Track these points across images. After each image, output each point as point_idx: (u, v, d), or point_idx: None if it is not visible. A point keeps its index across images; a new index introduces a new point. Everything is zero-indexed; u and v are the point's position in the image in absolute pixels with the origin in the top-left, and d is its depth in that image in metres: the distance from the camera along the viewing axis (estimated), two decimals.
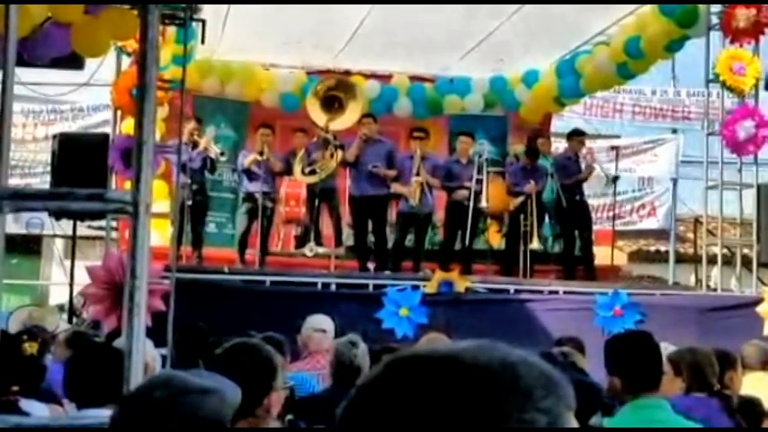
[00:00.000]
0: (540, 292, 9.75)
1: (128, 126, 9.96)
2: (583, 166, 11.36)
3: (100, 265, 6.91)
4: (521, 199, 10.87)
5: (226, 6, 10.68)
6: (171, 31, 9.04)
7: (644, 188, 15.84)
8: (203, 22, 8.24)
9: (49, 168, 10.66)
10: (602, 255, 11.57)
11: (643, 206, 15.64)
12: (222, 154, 10.82)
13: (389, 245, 10.70)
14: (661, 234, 15.70)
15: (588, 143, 12.31)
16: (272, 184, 10.94)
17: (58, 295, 13.21)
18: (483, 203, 10.60)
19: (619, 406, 3.55)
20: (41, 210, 8.40)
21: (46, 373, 4.45)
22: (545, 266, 11.25)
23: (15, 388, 3.96)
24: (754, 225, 10.57)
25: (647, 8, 10.91)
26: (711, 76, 10.61)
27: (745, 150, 10.46)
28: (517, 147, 12.42)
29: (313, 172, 10.58)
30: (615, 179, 11.98)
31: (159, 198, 9.89)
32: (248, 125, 12.58)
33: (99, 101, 14.11)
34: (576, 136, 11.60)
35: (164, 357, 5.54)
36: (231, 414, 1.95)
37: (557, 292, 9.72)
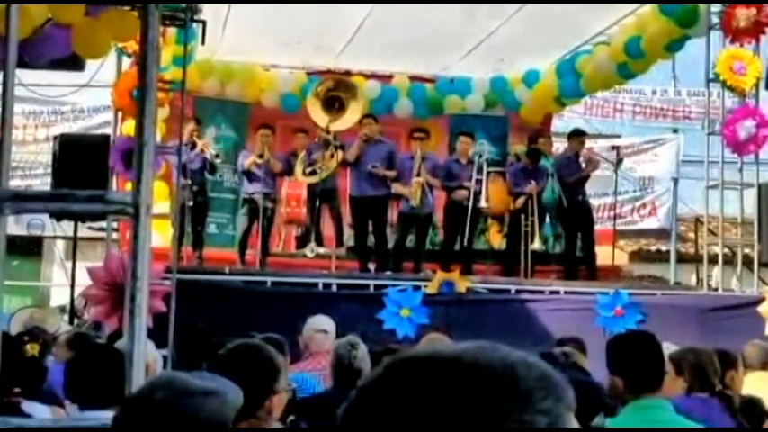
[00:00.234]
0: (541, 292, 9.75)
1: (128, 127, 9.96)
2: (583, 165, 11.37)
3: (101, 267, 6.90)
4: (522, 199, 10.87)
5: (226, 7, 10.68)
6: (171, 32, 9.05)
7: (645, 188, 15.85)
8: (204, 23, 8.24)
9: (49, 169, 10.66)
10: (602, 254, 11.57)
11: (644, 206, 15.64)
12: (217, 156, 10.77)
13: (390, 245, 10.69)
14: (662, 234, 15.69)
15: (589, 143, 12.32)
16: (273, 185, 10.94)
17: (59, 297, 13.22)
18: (482, 203, 10.60)
19: (620, 406, 3.55)
20: (42, 211, 8.40)
21: (47, 375, 4.45)
22: (546, 267, 11.25)
23: (17, 390, 3.96)
24: (755, 225, 10.56)
25: (648, 8, 10.91)
26: (712, 76, 10.60)
27: (745, 150, 10.45)
28: (518, 147, 12.42)
29: (313, 172, 10.58)
30: (619, 162, 11.99)
31: (160, 199, 9.89)
32: (249, 126, 12.59)
33: (99, 102, 14.13)
34: (576, 136, 11.61)
35: (165, 358, 5.54)
36: (233, 415, 1.95)
37: (558, 293, 9.72)
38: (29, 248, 15.09)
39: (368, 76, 13.13)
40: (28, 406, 3.97)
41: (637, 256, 15.60)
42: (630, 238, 15.81)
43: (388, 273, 10.22)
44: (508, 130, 13.54)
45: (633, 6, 11.17)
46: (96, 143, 9.70)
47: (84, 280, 7.53)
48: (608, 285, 9.87)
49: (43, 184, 13.58)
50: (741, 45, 10.45)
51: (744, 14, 10.17)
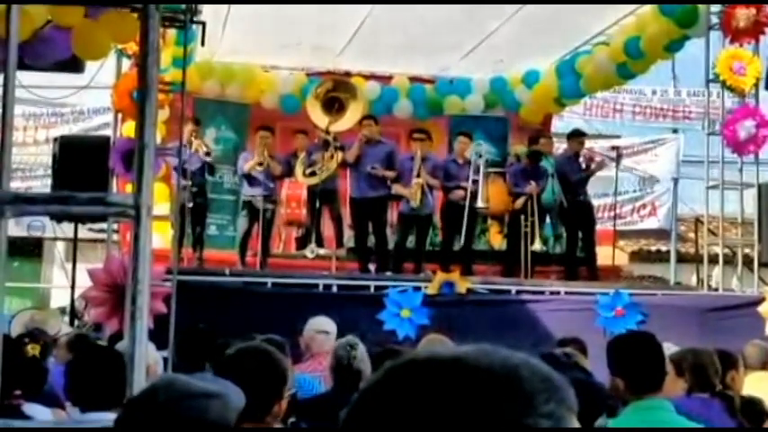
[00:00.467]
0: (542, 292, 9.75)
1: (128, 129, 9.97)
2: (583, 165, 11.39)
3: (101, 268, 6.91)
4: (521, 200, 10.87)
5: (226, 9, 10.69)
6: (171, 33, 9.05)
7: (645, 188, 15.85)
8: (203, 24, 8.24)
9: (50, 171, 10.67)
10: (603, 255, 11.57)
11: (644, 206, 15.64)
12: (208, 154, 10.70)
13: (390, 246, 10.69)
14: (662, 234, 15.69)
15: (589, 143, 12.33)
16: (273, 187, 10.93)
17: (60, 298, 13.22)
18: (479, 203, 10.61)
19: (621, 406, 3.54)
20: (43, 214, 8.41)
21: (47, 376, 4.46)
22: (546, 267, 11.25)
23: (18, 392, 3.96)
24: (755, 225, 10.56)
25: (647, 8, 10.91)
26: (712, 76, 10.60)
27: (745, 150, 10.45)
28: (518, 147, 12.42)
29: (313, 173, 10.58)
30: (619, 157, 12.02)
31: (160, 200, 9.89)
32: (249, 127, 12.59)
33: (99, 104, 14.14)
34: (576, 136, 11.62)
35: (165, 360, 5.54)
36: (234, 417, 1.95)
37: (558, 293, 9.71)
38: (29, 250, 15.09)
39: (367, 77, 13.14)
40: (29, 408, 3.97)
41: (637, 257, 15.60)
42: (631, 239, 15.81)
43: (389, 274, 10.22)
44: (508, 130, 13.54)
45: (633, 6, 11.17)
46: (96, 144, 9.70)
47: (84, 281, 7.53)
48: (608, 286, 9.87)
49: (43, 185, 13.59)
50: (741, 45, 10.45)
51: (743, 14, 10.17)
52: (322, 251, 10.65)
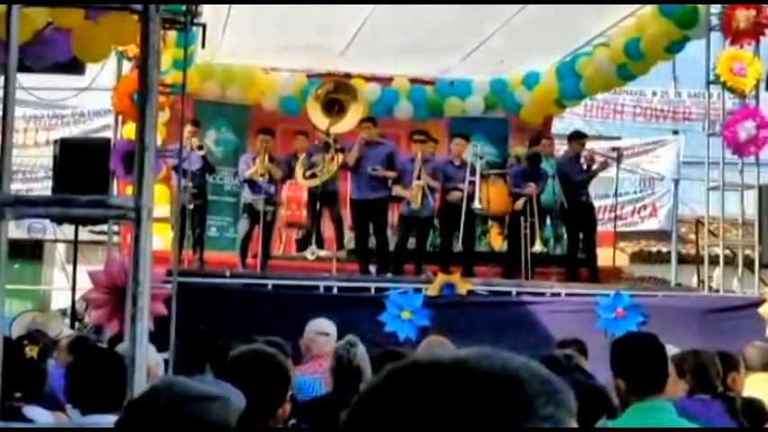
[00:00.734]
0: (542, 294, 9.74)
1: (129, 131, 9.96)
2: (585, 166, 11.40)
3: (102, 270, 6.91)
4: (521, 201, 10.88)
5: (226, 10, 10.69)
6: (171, 35, 9.04)
7: (645, 189, 15.85)
8: (204, 26, 8.23)
9: (50, 173, 10.67)
10: (603, 256, 11.57)
11: (644, 207, 15.64)
12: (201, 147, 10.65)
13: (391, 248, 10.69)
14: (663, 235, 15.69)
15: (589, 145, 12.34)
16: (274, 191, 10.92)
17: (60, 300, 13.22)
18: (476, 204, 10.61)
19: (621, 408, 3.54)
20: (44, 216, 8.41)
21: (46, 378, 4.45)
22: (547, 268, 11.25)
23: (18, 394, 3.95)
24: (756, 226, 10.56)
25: (648, 9, 10.91)
26: (712, 77, 10.60)
27: (746, 151, 10.45)
28: (518, 149, 12.43)
29: (314, 175, 10.58)
30: (619, 158, 12.03)
31: (160, 202, 9.90)
32: (249, 129, 12.60)
33: (100, 105, 14.14)
34: (577, 138, 11.65)
35: (166, 362, 5.54)
36: (235, 420, 1.95)
37: (559, 294, 9.71)
38: (30, 252, 15.09)
39: (368, 79, 13.14)
40: (29, 410, 3.96)
41: (638, 258, 15.60)
42: (631, 240, 15.81)
43: (389, 275, 10.21)
44: (508, 131, 13.55)
45: (633, 7, 11.17)
46: (97, 146, 9.70)
47: (85, 283, 7.53)
48: (609, 287, 9.87)
49: (44, 187, 13.59)
50: (741, 46, 10.45)
51: (744, 16, 10.17)
52: (322, 253, 10.65)
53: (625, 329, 8.76)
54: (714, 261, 11.32)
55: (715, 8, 10.44)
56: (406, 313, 8.93)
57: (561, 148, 12.97)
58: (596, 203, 12.12)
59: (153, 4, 2.29)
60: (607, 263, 11.57)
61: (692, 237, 14.54)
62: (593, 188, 11.90)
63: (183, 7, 7.49)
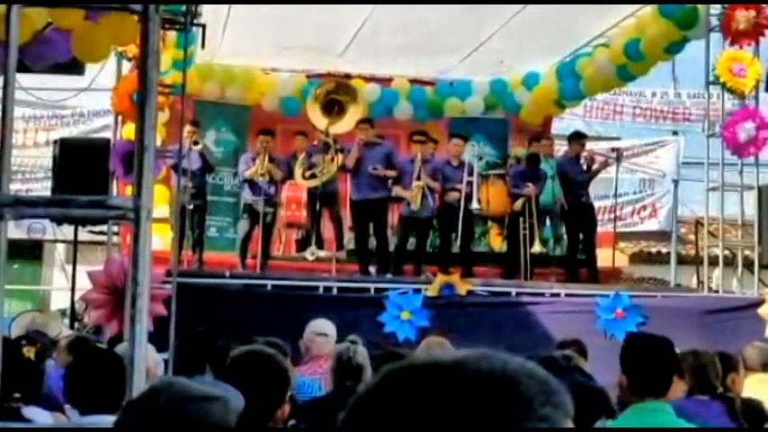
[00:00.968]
0: (542, 294, 9.75)
1: (128, 131, 9.96)
2: (584, 166, 11.42)
3: (101, 270, 6.91)
4: (520, 201, 10.88)
5: (226, 11, 10.69)
6: (171, 35, 9.05)
7: (645, 190, 15.84)
8: (203, 26, 8.24)
9: (50, 173, 10.66)
10: (603, 257, 11.58)
11: (644, 208, 15.64)
12: (196, 143, 10.61)
13: (391, 248, 10.69)
14: (662, 236, 15.68)
15: (589, 145, 12.34)
16: (274, 192, 10.92)
17: (60, 300, 13.21)
18: (474, 205, 10.61)
19: (619, 407, 3.54)
20: (43, 217, 8.41)
21: (44, 378, 4.45)
22: (546, 269, 11.25)
23: (17, 395, 3.95)
24: (756, 226, 10.56)
25: (647, 10, 10.91)
26: (712, 78, 10.60)
27: (745, 152, 10.45)
28: (518, 149, 12.43)
29: (314, 176, 10.58)
30: (619, 157, 12.04)
31: (159, 203, 9.90)
32: (249, 129, 12.59)
33: (100, 106, 14.14)
34: (577, 138, 11.66)
35: (166, 362, 5.54)
36: (234, 420, 1.95)
37: (558, 295, 9.71)
38: (29, 252, 15.09)
39: (368, 79, 13.14)
40: (28, 411, 3.96)
41: (637, 258, 15.59)
42: (631, 240, 15.81)
43: (389, 276, 10.22)
44: (508, 132, 13.54)
45: (633, 8, 11.17)
46: (96, 147, 9.69)
47: (84, 284, 7.53)
48: (608, 287, 9.87)
49: (44, 188, 13.59)
50: (741, 47, 10.45)
51: (743, 16, 10.17)
52: (322, 253, 10.65)
53: (624, 330, 8.78)
54: (714, 262, 11.32)
55: (715, 9, 10.44)
56: (405, 314, 8.93)
57: (561, 148, 12.97)
58: (596, 204, 12.12)
59: (152, 5, 2.28)
60: (607, 263, 11.57)
61: (692, 237, 14.54)
62: (593, 189, 11.91)
63: (183, 7, 7.49)
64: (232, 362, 3.19)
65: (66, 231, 11.74)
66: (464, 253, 10.77)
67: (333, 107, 10.46)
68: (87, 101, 14.34)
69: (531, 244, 10.78)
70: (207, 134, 11.98)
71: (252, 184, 10.82)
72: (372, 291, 9.40)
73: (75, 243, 9.96)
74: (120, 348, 3.78)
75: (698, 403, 4.22)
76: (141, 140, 2.20)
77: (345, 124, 10.50)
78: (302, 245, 11.14)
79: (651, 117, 16.36)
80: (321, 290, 9.37)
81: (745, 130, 10.28)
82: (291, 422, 3.62)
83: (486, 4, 10.62)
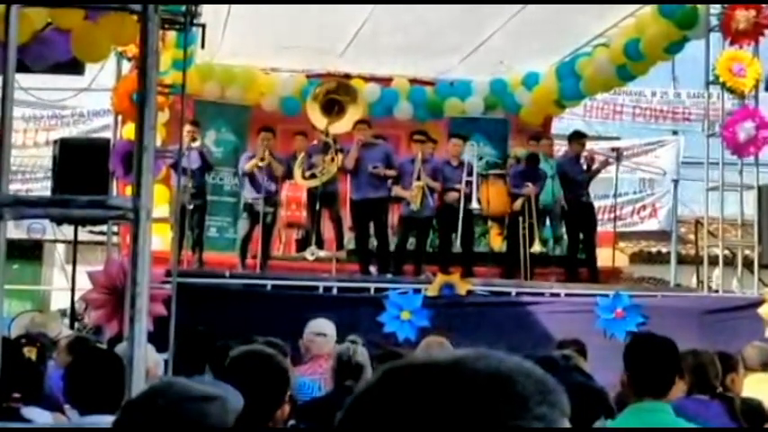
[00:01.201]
0: (542, 294, 9.75)
1: (128, 131, 9.96)
2: (585, 166, 11.42)
3: (101, 270, 6.90)
4: (519, 201, 10.89)
5: (226, 11, 10.69)
6: (171, 35, 9.05)
7: (645, 189, 15.84)
8: (203, 26, 8.24)
9: (50, 173, 10.66)
10: (603, 256, 11.58)
11: (644, 207, 15.64)
12: (195, 140, 10.59)
13: (391, 248, 10.69)
14: (662, 235, 15.68)
15: (589, 145, 12.35)
16: (274, 189, 10.92)
17: (60, 301, 13.21)
18: (474, 205, 10.61)
19: (619, 403, 3.53)
20: (43, 217, 8.41)
21: (44, 378, 4.45)
22: (546, 269, 11.25)
23: (17, 395, 3.95)
24: (755, 226, 10.56)
25: (647, 10, 10.92)
26: (711, 78, 10.60)
27: (745, 152, 10.45)
28: (518, 149, 12.43)
29: (313, 176, 10.58)
30: (619, 157, 12.05)
31: (159, 203, 9.89)
32: (249, 129, 12.58)
33: (100, 106, 14.14)
34: (577, 138, 11.66)
35: (166, 362, 5.54)
36: (233, 420, 1.95)
37: (558, 295, 9.71)
38: (29, 252, 15.09)
39: (367, 79, 13.15)
40: (27, 411, 3.96)
41: (637, 258, 15.59)
42: (631, 240, 15.81)
43: (389, 276, 10.22)
44: (508, 132, 13.54)
45: (633, 8, 11.17)
46: (96, 147, 9.69)
47: (84, 284, 7.52)
48: (608, 287, 9.87)
49: (43, 188, 13.59)
50: (740, 47, 10.45)
51: (743, 16, 10.17)
52: (322, 253, 10.64)
53: (624, 330, 8.79)
54: (713, 261, 11.32)
55: (714, 8, 10.44)
56: (405, 314, 8.93)
57: (561, 148, 12.97)
58: (596, 204, 12.12)
59: (152, 5, 2.29)
60: (606, 263, 11.57)
61: (692, 237, 14.54)
62: (593, 188, 11.91)
63: (183, 7, 7.49)
64: (232, 362, 3.19)
65: (66, 231, 11.74)
66: (464, 253, 10.77)
67: (332, 107, 10.46)
68: (87, 101, 14.34)
69: (531, 244, 10.78)
70: (207, 134, 11.97)
71: (252, 179, 10.79)
72: (372, 291, 9.41)
73: (75, 243, 9.96)
74: (120, 348, 3.78)
75: (697, 403, 4.22)
76: (141, 141, 2.20)
77: (345, 124, 10.50)
78: (302, 245, 11.14)
79: (651, 117, 16.36)
80: (321, 290, 9.37)
81: (745, 129, 10.28)
82: (291, 422, 3.62)
83: (487, 4, 10.63)
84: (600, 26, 11.84)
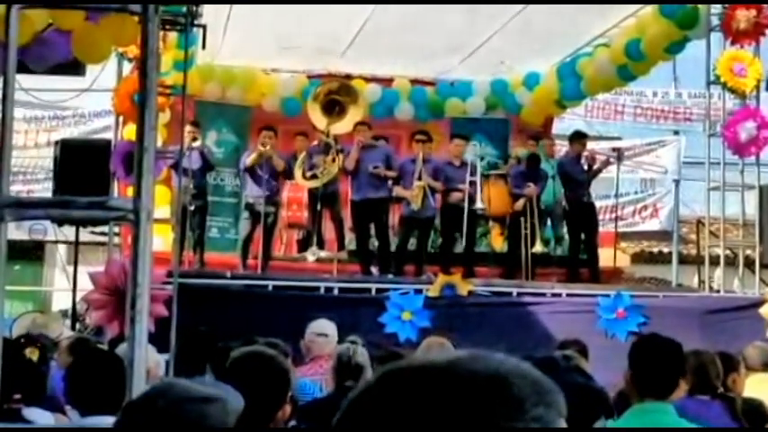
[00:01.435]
0: (543, 294, 9.74)
1: (129, 132, 9.96)
2: (586, 166, 11.42)
3: (102, 271, 6.91)
4: (521, 201, 10.89)
5: (227, 11, 10.69)
6: (172, 36, 9.05)
7: (646, 190, 15.84)
8: (204, 27, 8.24)
9: (51, 174, 10.66)
10: (604, 257, 11.57)
11: (645, 207, 15.62)
12: (195, 140, 10.59)
13: (392, 248, 10.68)
14: (663, 235, 15.67)
15: (590, 145, 12.35)
16: (275, 187, 10.91)
17: (61, 301, 13.21)
18: (478, 205, 10.61)
19: (618, 401, 3.53)
20: (44, 218, 8.41)
21: (45, 379, 4.45)
22: (547, 269, 11.25)
23: (18, 396, 3.95)
24: (757, 226, 10.56)
25: (648, 10, 10.92)
26: (712, 78, 10.60)
27: (746, 151, 10.45)
28: (518, 150, 12.43)
29: (314, 176, 10.58)
30: (620, 157, 12.05)
31: (161, 203, 9.89)
32: (250, 129, 12.58)
33: (100, 107, 14.13)
34: (578, 138, 11.66)
35: (167, 363, 5.54)
36: (233, 421, 1.95)
37: (559, 295, 9.71)
38: (30, 253, 15.09)
39: (368, 80, 13.15)
40: (29, 412, 3.96)
41: (638, 258, 15.59)
42: (632, 240, 15.80)
43: (390, 276, 10.21)
44: (509, 132, 13.54)
45: (633, 8, 11.17)
46: (97, 148, 9.70)
47: (85, 285, 7.53)
48: (609, 287, 9.87)
49: (44, 188, 13.58)
50: (741, 47, 10.45)
51: (744, 16, 10.17)
52: (323, 254, 10.65)
53: (626, 330, 8.78)
54: (715, 261, 11.31)
55: (715, 8, 10.44)
56: (406, 314, 8.93)
57: (562, 148, 12.97)
58: (597, 204, 12.12)
59: (152, 6, 2.28)
60: (608, 263, 11.57)
61: (693, 237, 14.53)
62: (594, 188, 11.91)
63: (184, 8, 7.49)
64: (233, 363, 3.19)
65: (68, 232, 11.74)
66: (465, 253, 10.77)
67: (333, 107, 10.46)
68: (88, 102, 14.34)
69: (533, 244, 10.78)
70: (208, 135, 11.98)
71: (253, 174, 10.76)
72: (373, 291, 9.41)
73: (76, 244, 9.96)
74: (121, 349, 3.78)
75: (699, 403, 4.22)
76: (141, 141, 2.20)
77: (345, 125, 10.51)
78: (303, 245, 11.15)
79: (652, 117, 16.34)
80: (322, 290, 9.37)
81: (746, 129, 10.28)
82: (292, 423, 3.62)
83: (487, 4, 10.63)
84: (601, 26, 11.84)
